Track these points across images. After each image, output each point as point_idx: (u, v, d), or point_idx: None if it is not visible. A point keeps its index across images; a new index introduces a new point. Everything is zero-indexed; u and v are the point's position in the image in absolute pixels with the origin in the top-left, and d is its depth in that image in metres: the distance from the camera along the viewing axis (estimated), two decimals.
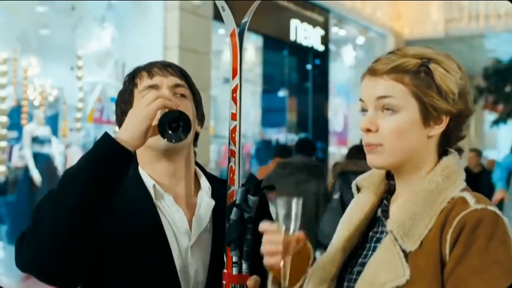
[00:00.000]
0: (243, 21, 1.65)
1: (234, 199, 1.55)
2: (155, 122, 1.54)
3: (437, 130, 1.44)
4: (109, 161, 1.46)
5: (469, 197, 1.38)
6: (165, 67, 1.73)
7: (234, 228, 1.50)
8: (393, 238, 1.40)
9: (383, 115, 1.43)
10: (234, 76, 1.62)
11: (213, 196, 1.74)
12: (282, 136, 11.72)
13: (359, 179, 1.60)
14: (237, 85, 1.61)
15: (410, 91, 1.42)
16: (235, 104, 1.62)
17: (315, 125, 11.80)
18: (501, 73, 14.69)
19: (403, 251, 1.38)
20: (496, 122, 16.06)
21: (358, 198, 1.59)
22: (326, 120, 12.06)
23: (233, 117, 1.62)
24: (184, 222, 1.67)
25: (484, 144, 18.69)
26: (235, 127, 1.61)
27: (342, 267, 1.52)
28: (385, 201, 1.53)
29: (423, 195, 1.41)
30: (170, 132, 1.54)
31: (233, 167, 1.62)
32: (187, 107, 1.67)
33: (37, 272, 1.49)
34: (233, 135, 1.61)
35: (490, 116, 17.81)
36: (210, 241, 1.69)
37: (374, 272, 1.40)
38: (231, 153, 1.62)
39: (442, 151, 1.49)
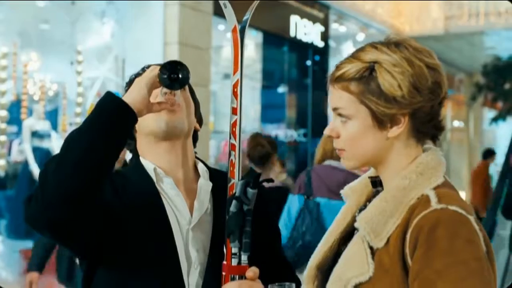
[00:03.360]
0: (245, 18, 1.69)
1: (234, 191, 1.58)
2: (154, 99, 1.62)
3: (396, 131, 1.43)
4: (114, 117, 1.52)
5: (433, 196, 1.37)
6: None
7: (233, 220, 1.53)
8: (362, 235, 1.41)
9: (341, 122, 1.47)
10: (235, 71, 1.66)
11: (213, 182, 1.80)
12: (281, 132, 11.73)
13: (345, 188, 1.63)
14: (238, 80, 1.65)
15: (357, 99, 1.42)
16: (236, 99, 1.65)
17: (314, 122, 11.79)
18: (501, 70, 14.68)
19: (371, 247, 1.39)
20: (495, 119, 16.06)
21: (343, 208, 1.62)
22: (325, 116, 12.06)
23: (234, 111, 1.66)
24: (184, 206, 1.72)
25: (483, 141, 18.71)
26: (235, 121, 1.65)
27: (328, 268, 1.54)
28: (367, 203, 1.53)
29: (394, 192, 1.41)
30: (170, 82, 1.60)
31: (233, 160, 1.65)
32: (187, 95, 1.78)
33: (45, 226, 1.53)
34: (234, 129, 1.65)
35: (489, 113, 17.82)
36: (210, 224, 1.74)
37: (343, 267, 1.42)
38: (232, 147, 1.66)
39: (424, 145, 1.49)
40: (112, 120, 1.52)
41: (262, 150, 4.45)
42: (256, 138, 4.57)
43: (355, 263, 1.40)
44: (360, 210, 1.53)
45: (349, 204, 1.60)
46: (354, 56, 1.46)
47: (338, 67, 1.46)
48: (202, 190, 1.76)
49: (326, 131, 1.50)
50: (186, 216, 1.72)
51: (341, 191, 1.63)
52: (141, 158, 1.78)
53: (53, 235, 1.58)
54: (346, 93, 1.44)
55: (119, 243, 1.63)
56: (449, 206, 1.33)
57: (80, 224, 1.53)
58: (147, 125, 1.69)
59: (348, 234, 1.55)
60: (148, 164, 1.76)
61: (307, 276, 1.59)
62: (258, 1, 1.71)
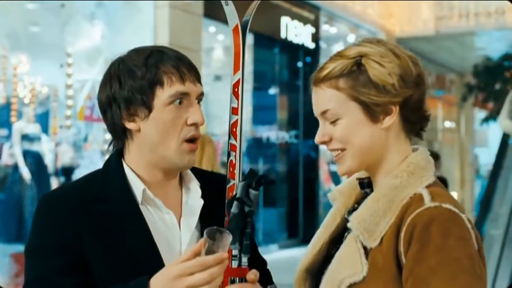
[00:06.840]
0: (245, 19, 1.68)
1: (234, 193, 1.55)
2: None
3: (389, 121, 1.44)
4: None
5: (426, 194, 1.37)
6: (192, 69, 1.60)
7: (234, 221, 1.49)
8: (355, 235, 1.41)
9: (331, 125, 1.47)
10: (236, 71, 1.63)
11: (203, 189, 1.71)
12: (272, 133, 11.71)
13: (333, 191, 1.62)
14: (239, 79, 1.63)
15: (347, 95, 1.42)
16: (237, 98, 1.63)
17: (305, 123, 11.78)
18: (491, 70, 14.73)
19: (365, 247, 1.39)
20: (486, 120, 16.10)
21: (330, 211, 1.61)
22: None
23: (234, 111, 1.63)
24: (174, 224, 1.64)
25: (474, 141, 18.77)
26: (236, 121, 1.62)
27: (318, 271, 1.53)
28: (356, 205, 1.53)
29: (385, 191, 1.42)
30: None
31: (234, 161, 1.62)
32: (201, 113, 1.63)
33: None
34: (234, 129, 1.62)
35: (480, 114, 17.89)
36: (199, 238, 1.64)
37: (336, 268, 1.42)
38: (232, 148, 1.63)
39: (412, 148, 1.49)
40: None
41: None
42: None
43: (348, 264, 1.39)
44: (349, 212, 1.52)
45: (337, 206, 1.60)
46: (337, 55, 1.47)
47: (322, 67, 1.46)
48: (193, 205, 1.67)
49: (317, 138, 1.49)
50: (177, 234, 1.64)
51: (329, 194, 1.63)
52: (124, 166, 1.64)
53: None
54: (335, 91, 1.44)
55: (107, 276, 1.54)
56: (443, 204, 1.34)
57: None
58: (167, 156, 1.57)
59: (338, 236, 1.54)
60: (135, 180, 1.62)
61: (296, 279, 1.58)
62: (258, 2, 1.69)
